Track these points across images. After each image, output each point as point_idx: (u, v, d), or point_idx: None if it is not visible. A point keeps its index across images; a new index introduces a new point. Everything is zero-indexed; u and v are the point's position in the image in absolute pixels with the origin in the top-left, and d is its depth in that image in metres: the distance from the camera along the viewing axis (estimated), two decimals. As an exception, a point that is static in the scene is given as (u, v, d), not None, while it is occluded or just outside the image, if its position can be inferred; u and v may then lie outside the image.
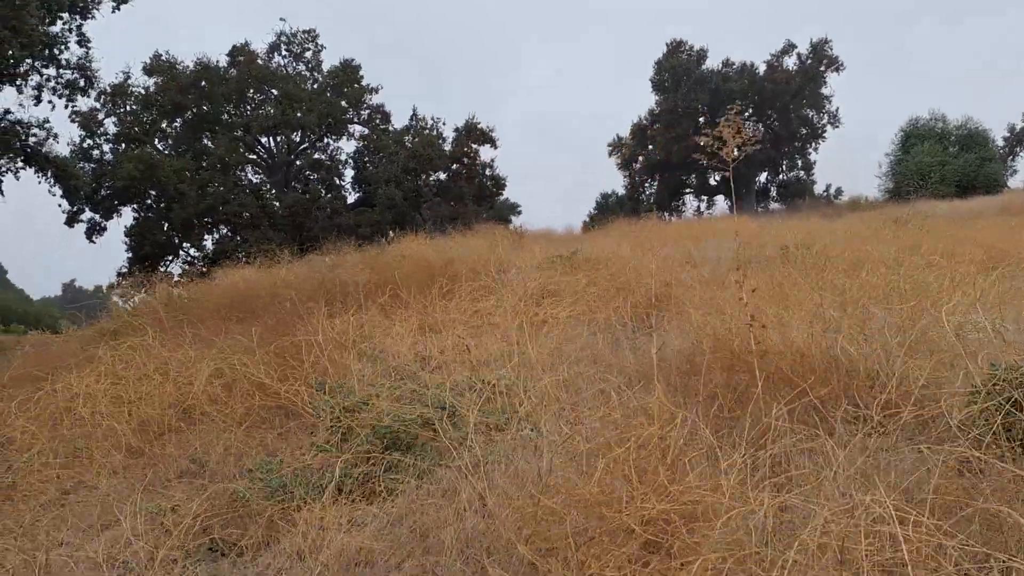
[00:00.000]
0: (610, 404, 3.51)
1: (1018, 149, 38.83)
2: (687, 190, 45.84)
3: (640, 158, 45.72)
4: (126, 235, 30.55)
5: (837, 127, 42.96)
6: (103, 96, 29.80)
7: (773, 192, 45.79)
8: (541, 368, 5.23)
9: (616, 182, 47.45)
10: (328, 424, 5.21)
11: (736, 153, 3.79)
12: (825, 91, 42.40)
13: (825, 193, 43.50)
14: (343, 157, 35.65)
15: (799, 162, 45.09)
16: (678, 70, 42.42)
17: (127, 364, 6.88)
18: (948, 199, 26.05)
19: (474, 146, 33.69)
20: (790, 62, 42.57)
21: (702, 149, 3.81)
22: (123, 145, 30.45)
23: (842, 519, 2.19)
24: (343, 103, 33.88)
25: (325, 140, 34.94)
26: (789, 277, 7.78)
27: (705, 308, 6.55)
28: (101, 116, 30.43)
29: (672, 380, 4.34)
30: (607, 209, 44.06)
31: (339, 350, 6.49)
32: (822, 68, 42.01)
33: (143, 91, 31.07)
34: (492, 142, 33.79)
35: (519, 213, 42.23)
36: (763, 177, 45.51)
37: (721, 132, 3.74)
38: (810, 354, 4.31)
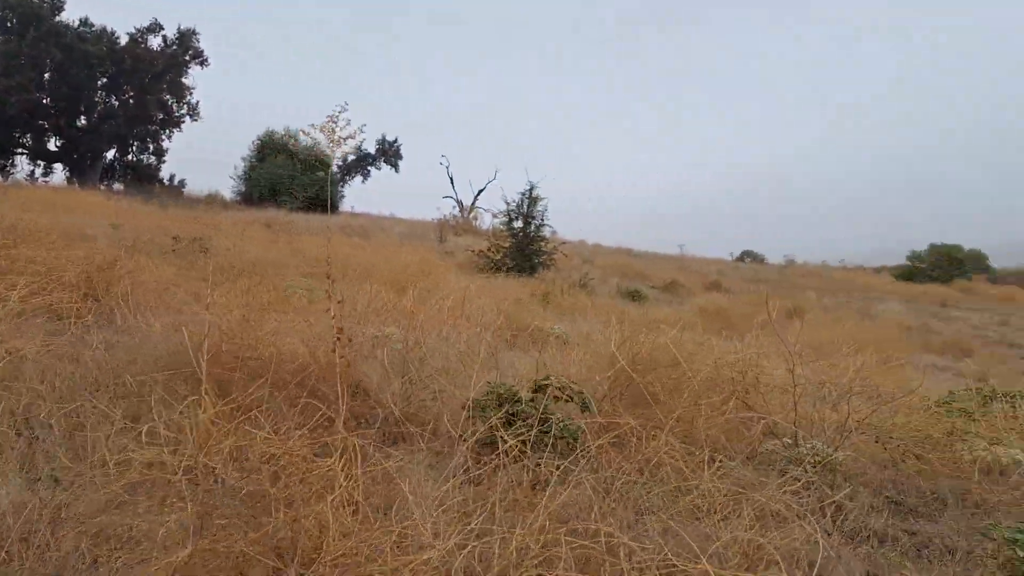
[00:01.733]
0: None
1: (347, 178, 45.77)
2: (21, 150, 39.33)
3: (-42, 99, 37.31)
4: None
5: (196, 120, 43.07)
6: None
7: (119, 172, 43.04)
8: None
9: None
10: None
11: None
12: (187, 81, 42.20)
13: (170, 182, 42.92)
14: None
15: (151, 146, 43.51)
16: (27, 13, 36.47)
17: None
18: (294, 211, 29.08)
19: None
20: (155, 42, 41.07)
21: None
22: None
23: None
24: None
25: None
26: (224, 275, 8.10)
27: (175, 296, 6.39)
28: None
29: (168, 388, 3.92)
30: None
31: None
32: (187, 58, 41.73)
33: None
34: None
35: None
36: (111, 154, 42.41)
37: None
38: (317, 364, 4.49)
